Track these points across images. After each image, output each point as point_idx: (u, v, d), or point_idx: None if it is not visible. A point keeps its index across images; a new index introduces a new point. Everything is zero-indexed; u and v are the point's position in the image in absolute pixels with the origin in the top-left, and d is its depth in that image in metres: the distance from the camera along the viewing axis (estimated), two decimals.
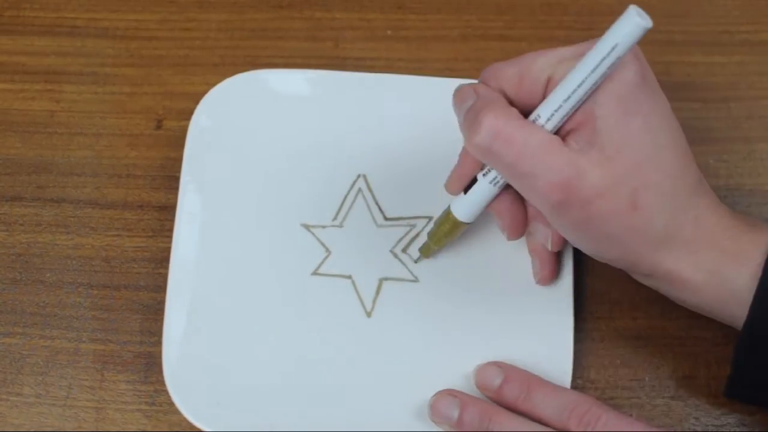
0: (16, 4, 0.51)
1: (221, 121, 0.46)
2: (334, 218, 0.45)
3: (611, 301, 0.45)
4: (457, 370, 0.42)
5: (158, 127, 0.48)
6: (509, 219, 0.40)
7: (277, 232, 0.44)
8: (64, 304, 0.45)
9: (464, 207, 0.41)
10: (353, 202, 0.45)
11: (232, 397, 0.41)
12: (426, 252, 0.43)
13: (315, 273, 0.44)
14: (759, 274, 0.36)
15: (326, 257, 0.44)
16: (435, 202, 0.44)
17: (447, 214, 0.41)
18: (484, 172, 0.39)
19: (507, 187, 0.39)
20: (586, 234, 0.37)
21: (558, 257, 0.42)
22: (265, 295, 0.43)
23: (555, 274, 0.42)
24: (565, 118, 0.36)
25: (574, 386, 0.42)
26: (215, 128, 0.46)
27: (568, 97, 0.35)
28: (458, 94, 0.38)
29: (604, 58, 0.33)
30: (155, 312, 0.43)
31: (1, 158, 0.48)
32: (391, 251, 0.44)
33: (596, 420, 0.38)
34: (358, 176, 0.46)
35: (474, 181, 0.39)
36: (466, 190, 0.40)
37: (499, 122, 0.35)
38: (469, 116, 0.36)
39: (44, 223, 0.46)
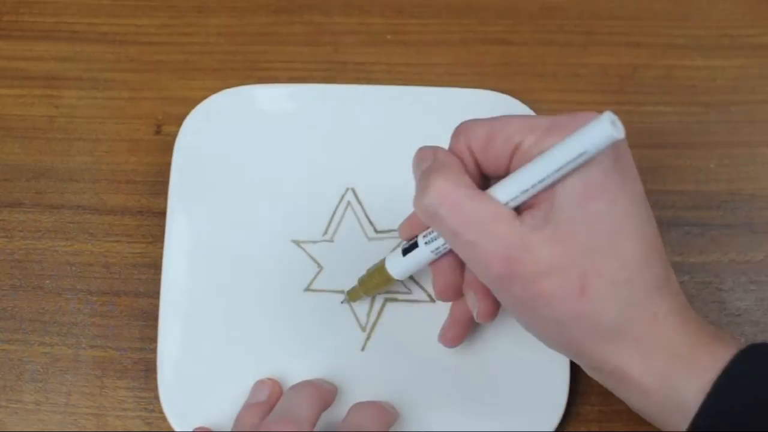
0: (15, 8, 0.51)
1: (207, 138, 0.45)
2: (325, 233, 0.45)
3: None
4: (453, 381, 0.42)
5: (158, 132, 0.48)
6: (443, 283, 0.39)
7: (267, 249, 0.44)
8: (63, 311, 0.45)
9: (400, 266, 0.40)
10: (343, 216, 0.45)
11: (228, 418, 0.41)
12: (353, 296, 0.43)
13: (308, 289, 0.44)
14: (709, 389, 0.33)
15: (318, 273, 0.44)
16: None
17: (380, 267, 0.40)
18: (426, 239, 0.38)
19: (449, 252, 0.37)
20: (528, 315, 0.35)
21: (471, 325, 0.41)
22: (259, 313, 0.43)
23: (461, 338, 0.41)
24: (523, 201, 0.34)
25: (575, 391, 0.42)
26: (201, 146, 0.45)
27: (526, 190, 0.33)
28: (418, 154, 0.36)
29: (569, 162, 0.32)
30: (155, 318, 0.43)
31: (1, 164, 0.48)
32: None
33: None
34: (347, 189, 0.45)
35: (414, 244, 0.38)
36: (405, 251, 0.39)
37: (448, 187, 0.34)
38: (422, 177, 0.35)
39: (43, 229, 0.46)
